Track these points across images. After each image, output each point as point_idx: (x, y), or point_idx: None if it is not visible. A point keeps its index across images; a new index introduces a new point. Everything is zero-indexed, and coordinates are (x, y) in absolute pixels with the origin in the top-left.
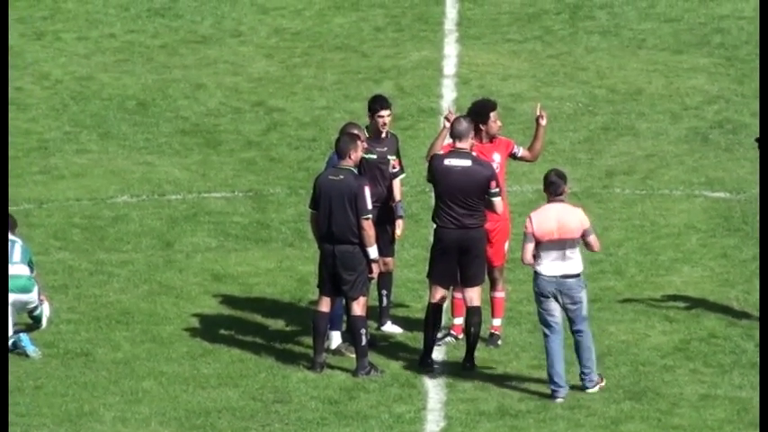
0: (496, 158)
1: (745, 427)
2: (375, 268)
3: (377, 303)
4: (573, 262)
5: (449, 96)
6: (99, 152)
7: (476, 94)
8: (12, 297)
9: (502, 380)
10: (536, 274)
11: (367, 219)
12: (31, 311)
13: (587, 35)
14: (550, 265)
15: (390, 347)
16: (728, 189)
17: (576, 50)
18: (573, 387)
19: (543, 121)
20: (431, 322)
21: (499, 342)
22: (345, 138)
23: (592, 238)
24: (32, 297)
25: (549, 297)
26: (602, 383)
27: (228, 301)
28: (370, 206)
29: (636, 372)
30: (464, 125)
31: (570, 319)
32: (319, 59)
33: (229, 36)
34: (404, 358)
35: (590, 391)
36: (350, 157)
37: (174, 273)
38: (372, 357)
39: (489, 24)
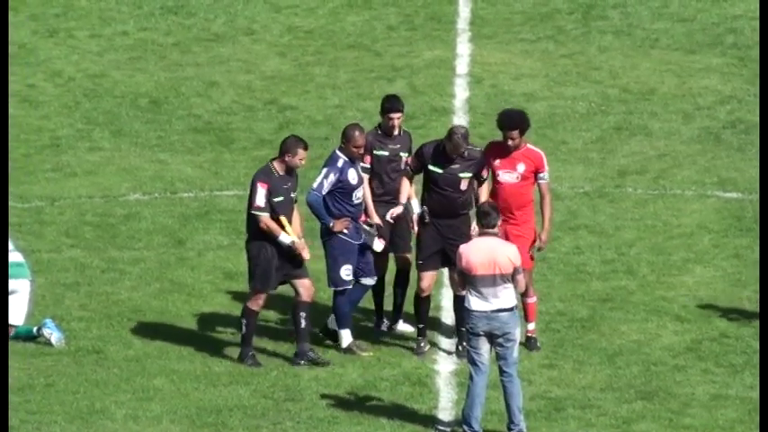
0: (519, 168)
1: (757, 428)
2: (299, 252)
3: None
4: (505, 296)
5: (461, 95)
6: (111, 150)
7: (488, 94)
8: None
9: None
10: (467, 310)
11: (254, 214)
12: None
13: (600, 35)
14: (481, 301)
15: (402, 346)
16: (741, 189)
17: (588, 50)
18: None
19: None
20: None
21: (539, 344)
22: (291, 139)
23: (519, 278)
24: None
25: (480, 335)
26: None
27: (240, 299)
28: (258, 202)
29: (647, 371)
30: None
31: (500, 359)
32: (332, 58)
33: (242, 34)
34: (416, 358)
35: None
36: (283, 156)
37: (185, 271)
38: (384, 356)
39: (502, 24)
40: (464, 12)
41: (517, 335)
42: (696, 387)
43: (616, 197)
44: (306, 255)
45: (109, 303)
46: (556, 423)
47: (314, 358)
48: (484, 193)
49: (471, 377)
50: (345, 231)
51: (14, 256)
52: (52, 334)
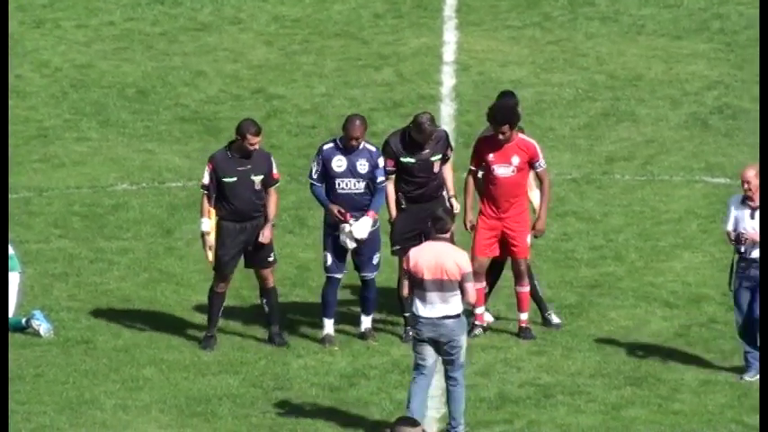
0: (514, 161)
1: (746, 412)
2: (205, 247)
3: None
4: (452, 303)
5: (448, 83)
6: (99, 140)
7: (475, 81)
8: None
9: (502, 366)
10: (413, 315)
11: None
12: None
13: (587, 21)
14: (428, 306)
15: (391, 333)
16: (728, 174)
17: (575, 36)
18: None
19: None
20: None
21: (533, 333)
22: (243, 122)
23: (468, 286)
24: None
25: (424, 341)
26: None
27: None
28: (202, 180)
29: (636, 357)
30: None
31: (446, 364)
32: (319, 46)
33: (229, 23)
34: (405, 345)
35: None
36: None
37: (174, 260)
38: (373, 344)
39: (488, 11)
40: None
41: (463, 341)
42: (685, 373)
43: (604, 183)
44: (265, 238)
45: (97, 293)
46: (545, 410)
47: (280, 342)
48: (448, 172)
49: (413, 378)
50: (338, 218)
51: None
52: (41, 325)
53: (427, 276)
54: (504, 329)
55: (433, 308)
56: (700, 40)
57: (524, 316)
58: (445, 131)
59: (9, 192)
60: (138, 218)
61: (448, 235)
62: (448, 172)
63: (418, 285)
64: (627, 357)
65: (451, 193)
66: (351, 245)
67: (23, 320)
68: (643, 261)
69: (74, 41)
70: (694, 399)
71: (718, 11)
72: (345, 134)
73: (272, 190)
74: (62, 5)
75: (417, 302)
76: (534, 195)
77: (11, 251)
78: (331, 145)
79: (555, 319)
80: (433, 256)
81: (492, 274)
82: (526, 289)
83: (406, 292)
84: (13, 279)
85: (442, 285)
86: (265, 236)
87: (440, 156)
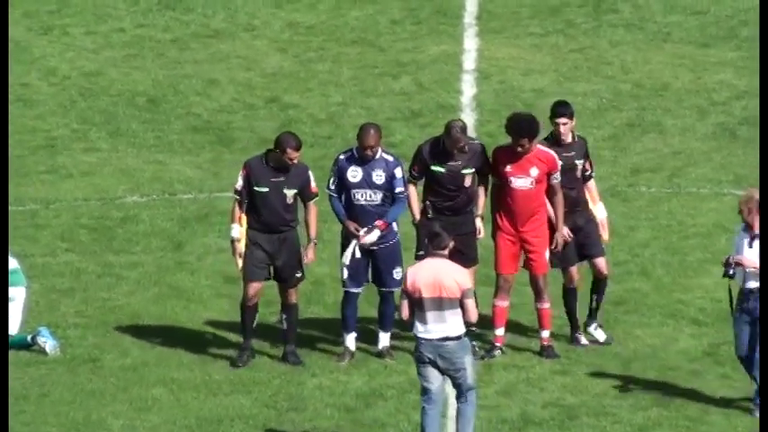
0: (533, 173)
1: None
2: (233, 254)
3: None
4: (452, 323)
5: (468, 92)
6: (108, 150)
7: (496, 90)
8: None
9: (525, 386)
10: (415, 337)
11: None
12: None
13: (611, 28)
14: (427, 326)
15: (408, 353)
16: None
17: (599, 44)
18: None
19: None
20: None
21: (557, 352)
22: (282, 136)
23: (469, 303)
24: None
25: (426, 363)
26: None
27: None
28: (235, 185)
29: (664, 377)
30: None
31: (454, 387)
32: (335, 54)
33: (242, 30)
34: None
35: None
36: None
37: (184, 275)
38: (390, 363)
39: (510, 17)
40: (471, 5)
41: (467, 362)
42: (714, 393)
43: (629, 196)
44: (309, 260)
45: (105, 310)
46: (569, 431)
47: (294, 361)
48: (481, 191)
49: (422, 408)
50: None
51: (10, 263)
52: (47, 342)
53: (425, 294)
54: (527, 348)
55: (433, 328)
56: (727, 48)
57: (546, 334)
58: (482, 145)
59: (15, 204)
60: (148, 231)
61: (446, 252)
62: (481, 190)
63: (417, 305)
64: (654, 377)
65: (479, 212)
66: (348, 260)
67: (29, 337)
68: (670, 277)
69: (82, 48)
70: (723, 420)
71: (746, 18)
72: (359, 144)
73: (312, 204)
74: (70, 11)
75: (417, 323)
76: (598, 209)
77: (16, 265)
78: (347, 155)
79: (582, 340)
80: (431, 274)
81: (597, 291)
82: (546, 306)
83: (405, 313)
84: (19, 294)
85: (441, 303)
86: (309, 257)
87: (472, 170)
